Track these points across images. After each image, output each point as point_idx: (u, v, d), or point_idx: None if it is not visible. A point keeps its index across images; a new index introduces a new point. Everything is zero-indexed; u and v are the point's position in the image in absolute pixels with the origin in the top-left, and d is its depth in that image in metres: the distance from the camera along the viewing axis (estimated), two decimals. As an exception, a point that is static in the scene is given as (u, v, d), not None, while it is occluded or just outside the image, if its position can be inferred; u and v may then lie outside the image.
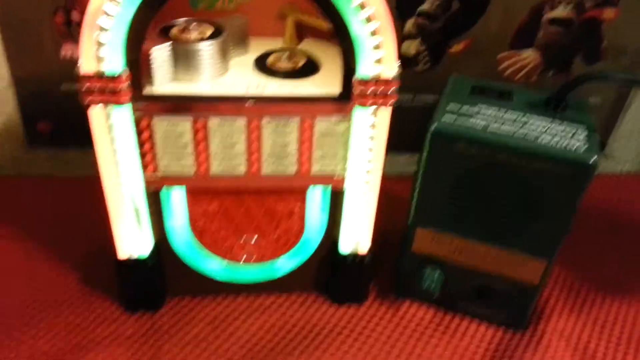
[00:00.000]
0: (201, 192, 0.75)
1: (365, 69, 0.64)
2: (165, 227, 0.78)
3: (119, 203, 0.73)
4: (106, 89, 0.62)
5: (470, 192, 0.72)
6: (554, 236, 0.72)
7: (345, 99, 0.67)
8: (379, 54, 0.63)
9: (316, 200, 0.79)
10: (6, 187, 1.07)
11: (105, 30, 0.59)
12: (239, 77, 0.71)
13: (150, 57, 0.65)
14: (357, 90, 0.65)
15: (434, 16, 1.11)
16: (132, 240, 0.76)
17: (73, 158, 1.09)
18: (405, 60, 1.19)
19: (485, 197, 0.71)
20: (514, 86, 0.79)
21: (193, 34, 0.68)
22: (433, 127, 0.69)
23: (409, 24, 1.14)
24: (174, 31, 0.69)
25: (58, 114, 1.05)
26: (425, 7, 1.11)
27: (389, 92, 0.65)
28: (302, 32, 0.81)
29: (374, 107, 0.67)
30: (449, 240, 0.78)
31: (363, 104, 0.66)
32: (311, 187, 0.76)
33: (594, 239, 1.03)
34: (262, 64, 0.72)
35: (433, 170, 0.72)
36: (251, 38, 0.78)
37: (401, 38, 1.13)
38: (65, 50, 0.97)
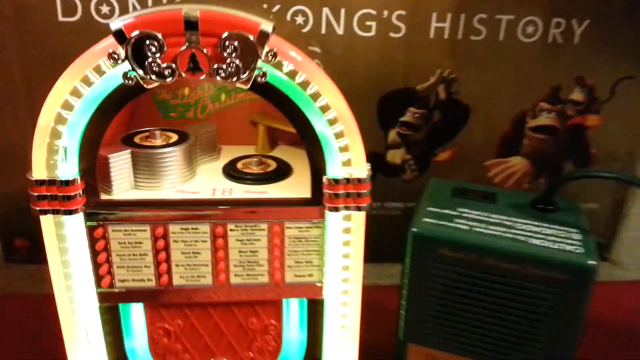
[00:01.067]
0: (162, 307, 0.68)
1: (334, 170, 0.60)
2: (123, 348, 0.69)
3: (71, 320, 0.66)
4: (57, 197, 0.58)
5: (463, 302, 0.65)
6: (562, 352, 0.63)
7: (315, 203, 0.62)
8: (346, 155, 0.60)
9: (293, 314, 0.71)
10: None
11: (58, 136, 0.56)
12: (205, 183, 0.67)
13: (108, 164, 0.61)
14: (327, 192, 0.61)
15: (416, 127, 1.11)
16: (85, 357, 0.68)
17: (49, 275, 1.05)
18: (392, 169, 1.18)
19: (480, 308, 0.64)
20: (497, 188, 0.75)
21: (157, 141, 0.66)
22: (413, 230, 0.64)
23: (392, 133, 1.14)
24: (137, 139, 0.67)
25: (36, 230, 1.04)
26: (406, 118, 1.12)
27: (361, 194, 0.61)
28: (275, 138, 0.80)
29: (347, 211, 0.62)
30: (446, 359, 0.69)
31: (334, 208, 0.61)
32: (286, 299, 0.69)
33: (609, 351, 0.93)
34: (231, 169, 0.69)
35: (418, 278, 0.65)
36: (223, 147, 0.76)
37: (385, 147, 1.12)
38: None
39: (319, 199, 0.62)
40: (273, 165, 0.71)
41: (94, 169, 0.60)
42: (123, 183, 0.64)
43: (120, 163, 0.63)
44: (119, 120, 0.70)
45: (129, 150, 0.64)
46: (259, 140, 0.76)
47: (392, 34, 1.04)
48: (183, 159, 0.66)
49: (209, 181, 0.68)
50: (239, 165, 0.71)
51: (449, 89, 1.11)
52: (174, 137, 0.68)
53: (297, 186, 0.67)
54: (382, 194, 1.13)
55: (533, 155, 1.18)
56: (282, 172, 0.69)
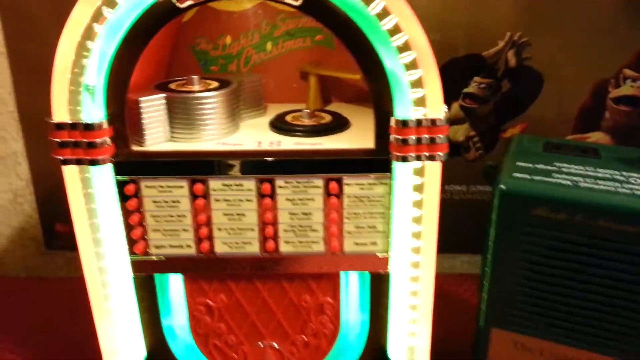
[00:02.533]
0: (204, 279, 0.59)
1: (403, 111, 0.50)
2: (160, 327, 0.61)
3: (101, 294, 0.57)
4: (81, 143, 0.50)
5: (562, 275, 0.53)
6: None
7: (381, 153, 0.52)
8: (419, 92, 0.49)
9: (353, 291, 0.61)
10: (24, 288, 0.96)
11: (80, 72, 0.48)
12: (250, 136, 0.58)
13: (139, 108, 0.53)
14: (395, 138, 0.50)
15: (482, 98, 0.99)
16: (119, 343, 0.59)
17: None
18: (454, 147, 1.06)
19: (584, 284, 0.52)
20: (598, 144, 0.62)
21: (195, 87, 0.57)
22: (501, 187, 0.52)
23: (454, 107, 1.02)
24: (173, 85, 0.58)
25: None
26: (471, 89, 0.99)
27: (436, 140, 0.50)
28: (328, 95, 0.69)
29: (419, 161, 0.51)
30: (537, 347, 0.57)
31: (404, 157, 0.51)
32: (345, 271, 0.59)
33: None
34: (279, 122, 0.59)
35: (506, 248, 0.54)
36: (269, 105, 0.66)
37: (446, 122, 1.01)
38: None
39: (385, 148, 0.52)
40: (327, 118, 0.61)
41: (123, 115, 0.52)
42: (157, 133, 0.55)
43: (153, 108, 0.54)
44: (155, 71, 0.62)
45: (164, 95, 0.55)
46: (310, 94, 0.66)
47: (456, -6, 0.93)
48: (224, 107, 0.57)
49: (254, 134, 0.58)
50: (288, 118, 0.61)
51: (519, 54, 0.98)
52: (214, 85, 0.59)
53: (357, 138, 0.56)
54: (443, 175, 1.01)
55: (616, 130, 1.03)
56: (339, 124, 0.59)
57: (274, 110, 0.65)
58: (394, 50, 0.48)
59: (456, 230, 0.66)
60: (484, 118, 1.01)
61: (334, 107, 0.68)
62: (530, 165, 0.55)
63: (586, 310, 0.53)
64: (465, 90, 0.97)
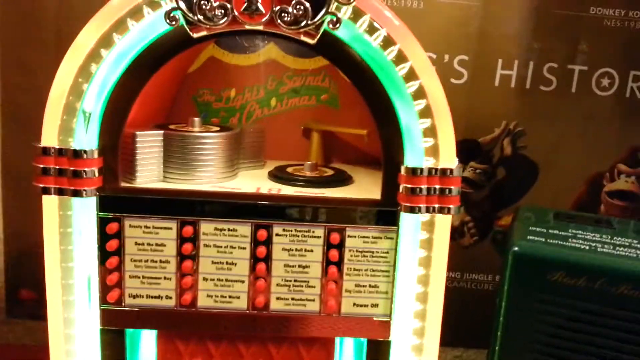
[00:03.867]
0: (180, 338, 0.52)
1: (414, 160, 0.47)
2: (124, 395, 0.53)
3: (63, 350, 0.50)
4: (66, 172, 0.46)
5: (580, 350, 0.48)
6: None
7: (388, 204, 0.49)
8: (431, 140, 0.47)
9: (348, 358, 0.55)
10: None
11: (79, 96, 0.46)
12: (248, 182, 0.54)
13: (135, 142, 0.50)
14: (404, 187, 0.47)
15: (477, 184, 0.98)
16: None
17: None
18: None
19: (606, 350, 0.47)
20: (609, 216, 0.60)
21: (195, 128, 0.54)
22: (514, 249, 0.49)
23: (449, 192, 1.00)
24: (171, 126, 0.55)
25: (44, 280, 0.93)
26: (466, 173, 0.99)
27: (448, 191, 0.47)
28: (329, 155, 0.67)
29: (428, 213, 0.48)
30: None
31: (412, 208, 0.47)
32: (340, 337, 0.53)
33: None
34: (279, 172, 0.56)
35: (519, 316, 0.49)
36: (268, 162, 0.64)
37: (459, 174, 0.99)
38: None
39: (392, 199, 0.49)
40: (329, 172, 0.58)
41: (116, 147, 0.48)
42: (150, 171, 0.52)
43: (149, 144, 0.51)
44: (154, 116, 0.60)
45: (161, 132, 0.52)
46: (312, 151, 0.64)
47: (453, 80, 0.95)
48: (223, 151, 0.54)
49: (252, 182, 0.55)
50: (289, 169, 0.58)
51: (515, 143, 0.99)
52: (215, 129, 0.57)
53: (360, 192, 0.53)
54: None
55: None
56: (341, 179, 0.56)
57: (273, 165, 0.62)
58: (408, 97, 0.46)
59: (449, 321, 0.61)
60: (479, 204, 0.99)
61: (336, 167, 0.66)
62: (543, 230, 0.52)
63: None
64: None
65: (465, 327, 0.87)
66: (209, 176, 0.54)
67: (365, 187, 0.55)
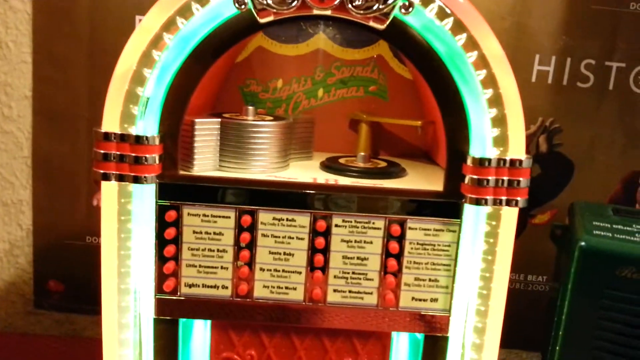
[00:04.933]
0: (234, 329, 0.52)
1: (480, 150, 0.46)
2: (176, 385, 0.52)
3: (116, 338, 0.50)
4: (128, 157, 0.45)
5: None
6: None
7: (451, 196, 0.47)
8: (500, 129, 0.45)
9: (403, 355, 0.54)
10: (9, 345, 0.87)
11: (141, 82, 0.45)
12: (303, 173, 0.53)
13: (194, 130, 0.49)
14: (470, 179, 0.46)
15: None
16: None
17: (81, 323, 0.90)
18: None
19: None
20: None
21: (250, 117, 0.53)
22: (581, 244, 0.47)
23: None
24: (225, 115, 0.55)
25: (72, 272, 0.91)
26: None
27: (516, 183, 0.46)
28: (377, 148, 0.66)
29: (495, 206, 0.46)
30: None
31: (478, 200, 0.46)
32: (397, 332, 0.52)
33: None
34: (332, 163, 0.55)
35: (584, 313, 0.48)
36: (315, 153, 0.63)
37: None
38: (99, 199, 0.87)
39: (456, 191, 0.48)
40: (383, 164, 0.57)
41: (177, 134, 0.48)
42: (207, 159, 0.51)
43: (207, 132, 0.51)
44: (202, 105, 0.59)
45: (219, 120, 0.52)
46: (360, 143, 0.63)
47: (489, 76, 0.93)
48: (277, 140, 0.53)
49: (305, 172, 0.54)
50: (341, 160, 0.57)
51: (551, 140, 0.97)
52: (269, 118, 0.56)
53: (419, 183, 0.52)
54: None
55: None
56: (396, 171, 0.55)
57: (320, 157, 0.61)
58: (477, 85, 0.45)
59: None
60: (513, 202, 0.97)
61: (387, 159, 0.64)
62: (607, 224, 0.51)
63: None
64: (496, 173, 0.94)
65: (507, 329, 0.86)
66: (263, 165, 0.53)
67: (421, 179, 0.54)
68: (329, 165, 0.56)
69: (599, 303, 0.47)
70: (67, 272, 0.89)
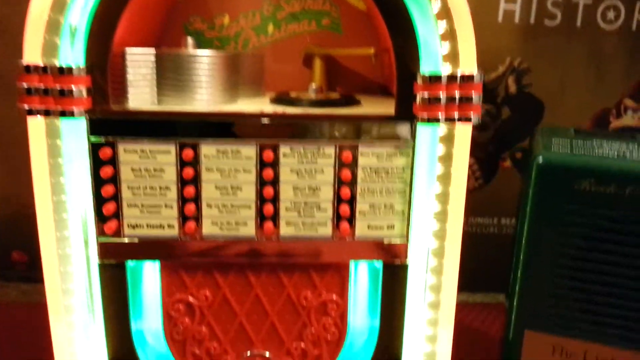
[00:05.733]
0: (185, 270, 0.49)
1: (431, 67, 0.43)
2: (129, 331, 0.50)
3: (59, 289, 0.47)
4: (52, 91, 0.42)
5: (609, 262, 0.45)
6: None
7: (403, 117, 0.45)
8: (450, 45, 0.43)
9: (362, 287, 0.52)
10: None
11: (61, 9, 0.41)
12: (250, 106, 0.50)
13: (125, 60, 0.46)
14: (421, 97, 0.43)
15: (482, 125, 0.95)
16: (77, 348, 0.48)
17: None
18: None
19: (636, 269, 0.44)
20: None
21: (189, 48, 0.50)
22: (538, 161, 0.45)
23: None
24: (164, 48, 0.51)
25: (36, 242, 0.90)
26: None
27: (469, 98, 0.43)
28: (332, 84, 0.63)
29: (448, 123, 0.44)
30: (579, 350, 0.48)
31: (431, 119, 0.44)
32: (355, 262, 0.50)
33: None
34: (283, 96, 0.52)
35: (544, 230, 0.46)
36: (268, 93, 0.59)
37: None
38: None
39: (408, 112, 0.45)
40: (336, 95, 0.54)
41: (105, 65, 0.44)
42: (143, 93, 0.48)
43: (140, 63, 0.47)
44: (143, 45, 0.55)
45: (153, 50, 0.48)
46: (314, 78, 0.60)
47: (454, 14, 0.90)
48: (220, 72, 0.50)
49: (253, 106, 0.51)
50: (292, 94, 0.54)
51: (520, 81, 0.95)
52: (210, 50, 0.52)
53: (372, 110, 0.50)
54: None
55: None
56: (349, 101, 0.53)
57: (272, 96, 0.58)
58: (423, -4, 0.42)
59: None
60: (483, 145, 0.96)
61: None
62: (567, 142, 0.49)
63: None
64: (465, 115, 0.92)
65: (471, 272, 0.85)
66: (206, 99, 0.50)
67: (375, 107, 0.51)
68: (279, 98, 0.53)
69: (559, 220, 0.46)
70: (31, 242, 0.88)
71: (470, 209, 0.99)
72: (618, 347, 0.47)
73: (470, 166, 0.96)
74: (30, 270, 0.92)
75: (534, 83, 0.93)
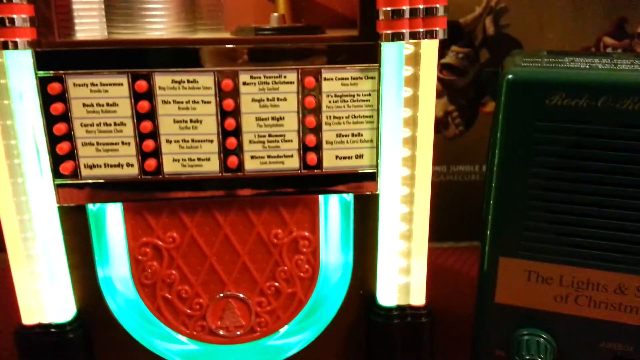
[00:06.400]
0: (149, 212, 0.47)
1: (393, -20, 0.41)
2: (95, 279, 0.48)
3: (19, 239, 0.45)
4: (-10, 20, 0.39)
5: (583, 179, 0.44)
6: None
7: (367, 38, 0.43)
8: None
9: (334, 223, 0.50)
10: None
11: None
12: (208, 36, 0.47)
13: (69, -12, 0.43)
14: (384, 12, 0.41)
15: (461, 69, 0.92)
16: (42, 298, 0.47)
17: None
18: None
19: (610, 186, 0.43)
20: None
21: (141, -23, 0.47)
22: (508, 77, 0.44)
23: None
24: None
25: None
26: (448, 59, 0.93)
27: (434, 11, 0.41)
28: (297, 20, 0.60)
29: (413, 40, 0.42)
30: (555, 274, 0.47)
31: (395, 35, 0.42)
32: (325, 196, 0.48)
33: None
34: (243, 28, 0.49)
35: (516, 149, 0.45)
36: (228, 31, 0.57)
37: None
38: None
39: (372, 32, 0.43)
40: (299, 24, 0.52)
41: (47, -7, 0.41)
42: (91, 24, 0.45)
43: (86, -9, 0.44)
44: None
45: (100, -23, 0.45)
46: (278, 7, 0.57)
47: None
48: (179, 3, 0.47)
49: (211, 36, 0.48)
50: (254, 25, 0.51)
51: (497, 21, 0.92)
52: (165, -20, 0.49)
53: (335, 33, 0.47)
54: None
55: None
56: (313, 28, 0.50)
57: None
58: None
59: (437, 216, 0.57)
60: (463, 91, 0.94)
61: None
62: (538, 60, 0.47)
63: (617, 220, 0.44)
64: (443, 60, 0.91)
65: (455, 221, 0.84)
66: (160, 29, 0.47)
67: (339, 33, 0.49)
68: (239, 29, 0.50)
69: (531, 139, 0.44)
70: None
71: (453, 158, 0.98)
72: (593, 268, 0.46)
73: (450, 113, 0.94)
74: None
75: (512, 23, 0.90)
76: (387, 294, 0.50)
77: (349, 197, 0.49)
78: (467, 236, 0.91)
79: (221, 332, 0.51)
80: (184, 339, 0.52)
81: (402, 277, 0.49)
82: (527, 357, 0.48)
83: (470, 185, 0.93)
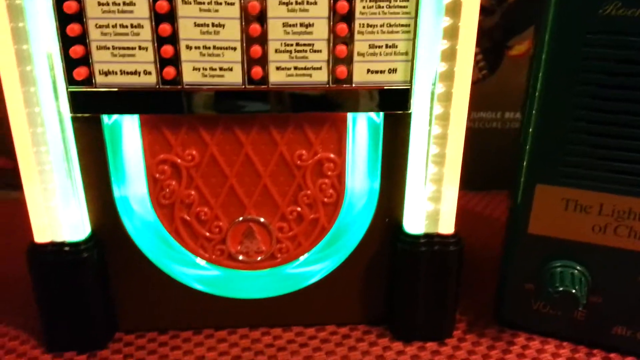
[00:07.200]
0: (168, 127, 0.45)
1: None
2: (111, 198, 0.46)
3: (31, 153, 0.43)
4: None
5: (633, 99, 0.40)
6: None
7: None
8: None
9: (361, 145, 0.48)
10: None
11: None
12: None
13: None
14: None
15: (487, 9, 0.88)
16: (56, 216, 0.45)
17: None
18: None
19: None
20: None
21: None
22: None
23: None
24: None
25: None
26: None
27: None
28: None
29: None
30: (594, 202, 0.44)
31: None
32: (354, 114, 0.45)
33: None
34: None
35: (561, 65, 0.41)
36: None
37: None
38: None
39: None
40: None
41: None
42: None
43: None
44: None
45: None
46: None
47: None
48: None
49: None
50: None
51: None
52: None
53: None
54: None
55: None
56: None
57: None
58: None
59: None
60: (489, 33, 0.90)
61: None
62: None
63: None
64: None
65: (477, 170, 0.82)
66: None
67: None
68: None
69: (580, 54, 0.41)
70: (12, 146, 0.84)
71: (475, 104, 0.94)
72: (636, 196, 0.43)
73: (474, 55, 0.90)
74: (17, 177, 0.90)
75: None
76: (415, 222, 0.47)
77: (378, 119, 0.46)
78: (490, 185, 0.88)
79: (241, 257, 0.49)
80: (202, 262, 0.50)
81: (431, 204, 0.46)
82: (561, 289, 0.45)
83: (490, 132, 0.90)
